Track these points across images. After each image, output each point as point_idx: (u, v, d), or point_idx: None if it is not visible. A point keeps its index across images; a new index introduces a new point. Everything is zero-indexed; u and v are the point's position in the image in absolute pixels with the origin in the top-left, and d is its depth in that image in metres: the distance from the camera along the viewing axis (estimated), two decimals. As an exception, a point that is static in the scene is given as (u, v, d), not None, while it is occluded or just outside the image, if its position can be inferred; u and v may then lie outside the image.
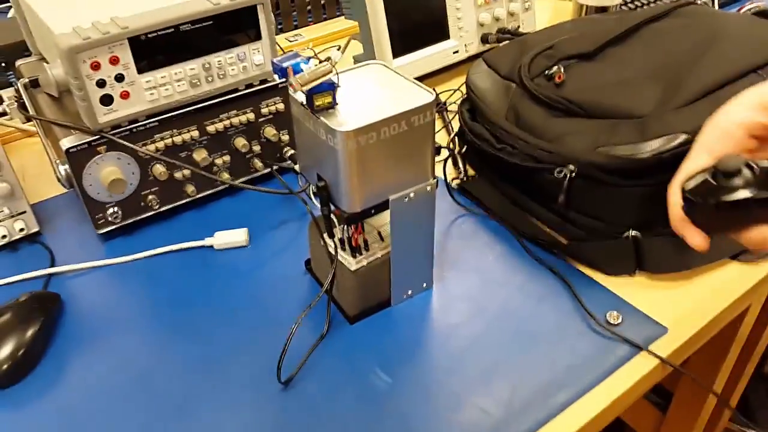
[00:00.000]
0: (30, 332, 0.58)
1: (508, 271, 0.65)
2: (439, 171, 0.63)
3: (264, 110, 0.75)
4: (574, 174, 0.63)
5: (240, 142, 0.74)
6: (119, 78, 0.63)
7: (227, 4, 0.66)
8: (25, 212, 0.71)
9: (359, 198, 0.53)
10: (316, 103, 0.51)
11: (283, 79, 0.73)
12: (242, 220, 0.73)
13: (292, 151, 0.78)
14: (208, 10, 0.65)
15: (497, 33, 1.01)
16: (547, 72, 0.72)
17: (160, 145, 0.69)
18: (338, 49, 0.52)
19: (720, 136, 0.51)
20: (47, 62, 0.71)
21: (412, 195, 0.56)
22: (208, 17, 0.66)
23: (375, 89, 0.55)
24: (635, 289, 0.62)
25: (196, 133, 0.71)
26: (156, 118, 0.68)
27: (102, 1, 0.68)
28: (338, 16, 1.21)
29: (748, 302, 0.65)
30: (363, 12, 0.90)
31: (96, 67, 0.62)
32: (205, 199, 0.76)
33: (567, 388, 0.54)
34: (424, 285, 0.63)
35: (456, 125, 0.84)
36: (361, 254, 0.58)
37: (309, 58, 0.51)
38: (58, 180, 0.69)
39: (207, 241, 0.70)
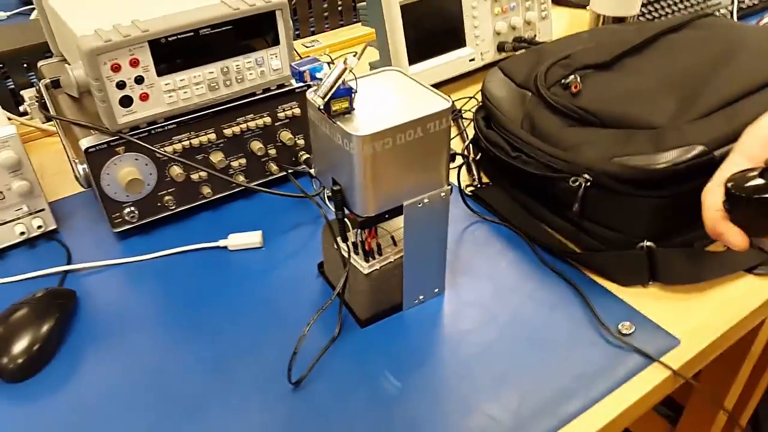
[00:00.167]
0: (45, 328, 0.59)
1: (520, 278, 0.65)
2: (453, 178, 0.63)
3: (280, 114, 0.75)
4: (589, 183, 0.63)
5: (256, 146, 0.75)
6: (139, 80, 0.64)
7: (247, 9, 0.67)
8: (43, 210, 0.72)
9: (373, 202, 0.53)
10: (333, 108, 0.51)
11: (300, 84, 0.74)
12: (256, 223, 0.74)
13: (307, 156, 0.78)
14: (228, 14, 0.66)
15: (513, 42, 1.01)
16: (563, 81, 0.72)
17: (178, 147, 0.70)
18: (354, 56, 0.53)
19: (761, 143, 0.53)
20: (68, 63, 0.72)
21: (426, 201, 0.56)
22: (227, 22, 0.66)
23: (391, 95, 0.55)
24: (648, 300, 0.62)
25: (213, 136, 0.72)
26: (174, 121, 0.69)
27: (123, 4, 0.70)
28: (355, 22, 1.22)
29: (762, 317, 0.65)
30: (380, 19, 0.91)
31: (116, 68, 0.63)
32: (220, 201, 0.77)
33: (577, 398, 0.54)
34: (436, 290, 0.63)
35: (471, 132, 0.84)
36: (374, 258, 0.58)
37: (327, 63, 0.52)
38: (77, 179, 0.70)
39: (221, 242, 0.71)
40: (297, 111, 0.76)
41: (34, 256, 0.71)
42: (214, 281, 0.67)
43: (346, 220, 0.56)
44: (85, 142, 0.66)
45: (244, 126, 0.73)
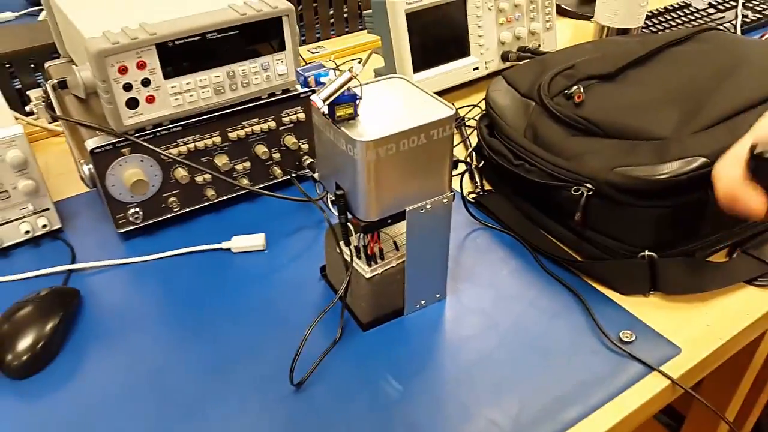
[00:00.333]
0: (49, 326, 0.59)
1: (522, 285, 0.66)
2: (455, 185, 0.64)
3: (285, 119, 0.76)
4: (591, 192, 0.63)
5: (260, 149, 0.75)
6: (145, 82, 0.65)
7: (254, 14, 0.67)
8: (48, 209, 0.72)
9: (376, 207, 0.54)
10: (338, 114, 0.52)
11: (306, 89, 0.75)
12: (259, 226, 0.74)
13: (311, 160, 0.79)
14: (235, 19, 0.67)
15: (518, 51, 1.02)
16: (566, 91, 0.73)
17: (183, 149, 0.70)
18: (359, 62, 0.53)
19: None
20: (75, 64, 0.73)
21: (428, 206, 0.56)
22: (234, 27, 0.67)
23: (396, 102, 0.55)
24: (649, 309, 0.62)
25: (218, 139, 0.72)
26: (180, 123, 0.69)
27: (132, 7, 0.70)
28: (360, 29, 1.23)
29: (762, 328, 0.65)
30: (386, 27, 0.92)
31: (123, 71, 0.63)
32: (224, 204, 0.78)
33: (577, 405, 0.54)
34: (438, 296, 0.64)
35: (474, 140, 0.85)
36: (376, 263, 0.59)
37: (332, 69, 0.52)
38: (82, 179, 0.71)
39: (225, 245, 0.71)
40: (302, 116, 0.77)
41: (38, 254, 0.71)
42: (216, 283, 0.67)
43: (349, 224, 0.57)
44: (91, 143, 0.67)
45: (249, 130, 0.74)
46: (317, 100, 0.51)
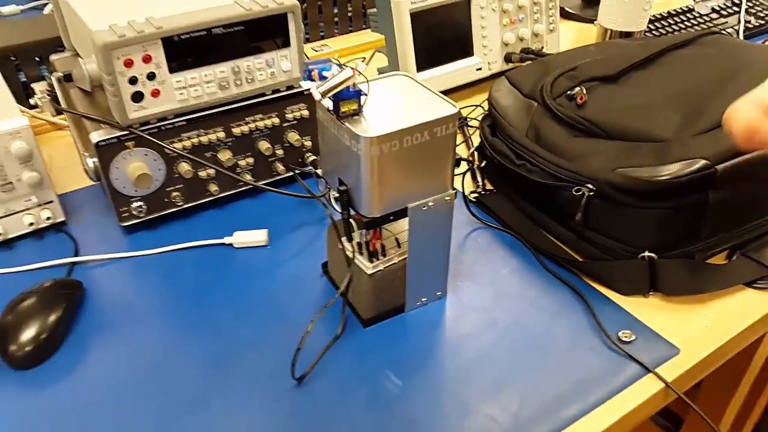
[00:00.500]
0: (53, 317, 0.60)
1: (522, 285, 0.66)
2: (457, 184, 0.64)
3: (289, 116, 0.76)
4: (592, 193, 0.64)
5: (264, 146, 0.76)
6: (151, 76, 0.65)
7: (259, 10, 0.68)
8: (52, 202, 0.73)
9: (379, 204, 0.54)
10: (342, 110, 0.52)
11: (309, 85, 0.75)
12: (262, 221, 0.75)
13: (314, 157, 0.79)
14: (241, 15, 0.67)
15: (521, 53, 1.02)
16: (569, 92, 0.73)
17: (187, 143, 0.71)
18: (363, 61, 0.54)
19: None
20: (81, 57, 0.73)
21: (431, 204, 0.57)
22: (240, 22, 0.67)
23: (400, 99, 0.56)
24: (649, 310, 0.63)
25: (222, 134, 0.73)
26: (184, 118, 0.70)
27: (138, 1, 0.71)
28: (364, 28, 1.24)
29: (762, 331, 0.65)
30: (390, 26, 0.92)
31: (129, 64, 0.64)
32: (226, 199, 0.78)
33: (575, 403, 0.54)
34: (438, 293, 0.64)
35: (476, 140, 0.85)
36: (378, 259, 0.59)
37: (337, 64, 0.53)
38: (86, 172, 0.71)
39: (227, 240, 0.71)
40: (305, 113, 0.77)
41: (42, 246, 0.72)
42: (218, 278, 0.67)
43: (351, 220, 0.57)
44: (95, 136, 0.67)
45: (252, 126, 0.74)
46: (315, 91, 0.51)
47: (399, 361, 0.58)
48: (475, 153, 0.83)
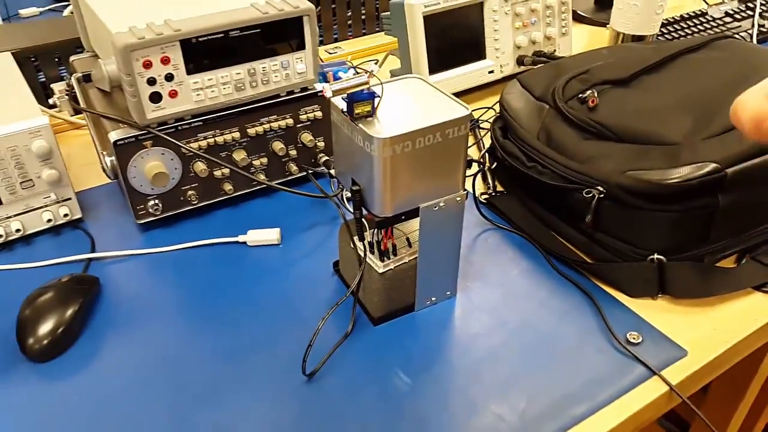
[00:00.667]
0: (70, 311, 0.61)
1: (531, 286, 0.67)
2: (468, 185, 0.65)
3: (302, 117, 0.77)
4: (602, 195, 0.64)
5: (278, 146, 0.77)
6: (169, 77, 0.67)
7: (276, 13, 0.69)
8: (70, 199, 0.74)
9: (391, 203, 0.55)
10: (356, 111, 0.53)
11: (323, 86, 0.76)
12: (275, 221, 0.76)
13: (327, 158, 0.80)
14: (257, 18, 0.68)
15: (533, 56, 1.03)
16: (580, 95, 0.74)
17: (203, 143, 0.72)
18: (376, 63, 0.55)
19: None
20: (100, 59, 0.75)
21: (442, 204, 0.57)
22: (256, 25, 0.69)
23: (412, 101, 0.57)
24: (657, 312, 0.63)
25: (237, 135, 0.74)
26: (201, 118, 0.71)
27: (157, 4, 0.72)
28: (377, 31, 1.25)
29: (769, 336, 0.66)
30: (403, 29, 0.93)
31: (148, 65, 0.65)
32: (240, 198, 0.79)
33: (583, 403, 0.55)
34: (448, 293, 0.65)
35: (487, 142, 0.86)
36: (389, 258, 0.60)
37: (351, 68, 0.54)
38: (104, 170, 0.72)
39: (241, 238, 0.73)
40: (318, 114, 0.78)
41: (59, 243, 0.73)
42: (232, 275, 0.69)
43: (363, 220, 0.58)
44: (114, 135, 0.68)
45: (267, 126, 0.75)
46: (327, 89, 0.52)
47: (408, 359, 0.59)
48: (486, 155, 0.84)
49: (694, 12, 1.29)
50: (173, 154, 0.71)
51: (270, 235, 0.72)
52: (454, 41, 0.97)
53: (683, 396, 0.56)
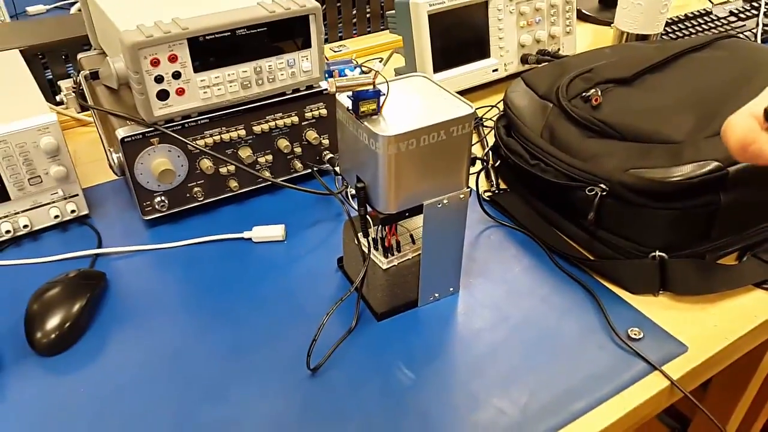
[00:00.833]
0: (77, 306, 0.62)
1: (534, 282, 0.67)
2: (471, 183, 0.65)
3: (308, 114, 0.78)
4: (605, 193, 0.65)
5: (283, 143, 0.77)
6: (176, 75, 0.67)
7: (282, 12, 0.70)
8: (77, 195, 0.75)
9: (395, 200, 0.56)
10: (361, 109, 0.54)
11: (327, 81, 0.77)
12: (280, 217, 0.77)
13: (331, 155, 0.81)
14: (264, 17, 0.69)
15: (537, 54, 1.04)
16: (584, 94, 0.74)
17: (209, 141, 0.73)
18: (380, 61, 0.55)
19: None
20: (107, 56, 0.75)
21: (445, 201, 0.58)
22: (263, 24, 0.69)
23: (417, 99, 0.57)
24: (658, 308, 0.64)
25: (242, 132, 0.75)
26: (207, 116, 0.72)
27: (164, 2, 0.73)
28: (382, 29, 1.25)
29: (769, 333, 0.66)
30: (408, 27, 0.94)
31: (156, 63, 0.66)
32: (246, 195, 0.80)
33: (583, 398, 0.55)
34: (451, 289, 0.66)
35: (491, 141, 0.86)
36: (392, 255, 0.60)
37: (357, 66, 0.54)
38: (111, 167, 0.73)
39: (246, 234, 0.73)
40: (323, 112, 0.79)
41: (66, 238, 0.74)
42: (237, 271, 0.69)
43: (368, 216, 0.58)
44: (121, 132, 0.69)
45: (272, 124, 0.76)
46: (330, 84, 0.53)
47: (411, 354, 0.60)
48: (490, 152, 0.85)
49: (698, 11, 1.29)
50: (180, 151, 0.72)
51: (275, 232, 0.73)
52: (459, 40, 0.98)
53: (685, 390, 0.57)
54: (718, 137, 0.66)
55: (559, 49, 1.07)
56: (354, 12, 1.21)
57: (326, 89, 0.77)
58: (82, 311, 0.62)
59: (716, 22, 1.26)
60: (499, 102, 0.96)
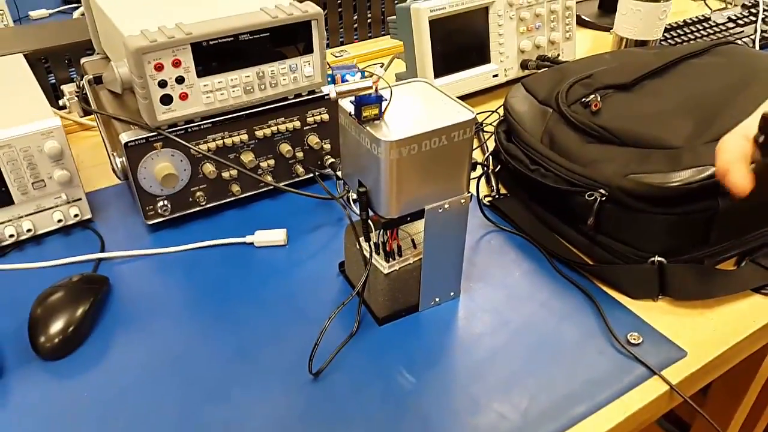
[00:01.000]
0: (80, 310, 0.62)
1: (534, 287, 0.68)
2: (472, 188, 0.66)
3: (309, 119, 0.79)
4: (604, 198, 0.65)
5: (285, 148, 0.78)
6: (180, 80, 0.68)
7: (285, 18, 0.70)
8: (80, 199, 0.76)
9: (397, 205, 0.56)
10: (364, 114, 0.54)
11: (330, 89, 0.77)
12: (281, 221, 0.77)
13: (333, 160, 0.81)
14: (267, 22, 0.70)
15: (537, 60, 1.04)
16: (584, 100, 0.75)
17: (212, 145, 0.73)
18: (381, 66, 0.56)
19: None
20: (111, 61, 0.76)
21: (446, 206, 0.59)
22: (265, 29, 0.70)
23: (419, 105, 0.58)
24: (657, 313, 0.64)
25: (245, 137, 0.75)
26: (210, 120, 0.72)
27: (168, 7, 0.73)
28: (383, 35, 1.26)
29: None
30: (409, 33, 0.94)
31: (159, 68, 0.66)
32: (248, 199, 0.80)
33: (583, 402, 0.56)
34: (452, 294, 0.66)
35: (491, 145, 0.87)
36: (394, 259, 0.61)
37: (359, 71, 0.55)
38: (114, 171, 0.74)
39: (248, 239, 0.74)
40: (325, 116, 0.79)
41: (69, 243, 0.75)
42: (239, 275, 0.70)
43: (369, 221, 0.59)
44: (125, 137, 0.70)
45: (274, 128, 0.77)
46: (332, 90, 0.53)
47: (412, 358, 0.60)
48: (490, 157, 0.85)
49: (697, 17, 1.30)
50: (183, 156, 0.72)
51: (276, 236, 0.74)
52: (460, 45, 0.98)
53: (685, 395, 0.57)
54: (716, 143, 0.66)
55: (558, 55, 1.07)
56: (355, 17, 1.22)
57: (328, 94, 0.78)
58: (86, 315, 0.62)
59: (715, 28, 1.27)
60: (499, 107, 0.97)
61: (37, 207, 0.73)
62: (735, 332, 0.62)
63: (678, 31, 1.25)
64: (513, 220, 0.76)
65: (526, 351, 0.61)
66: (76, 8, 1.42)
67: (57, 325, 0.61)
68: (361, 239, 0.61)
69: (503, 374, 0.58)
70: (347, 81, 0.54)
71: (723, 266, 0.69)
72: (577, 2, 1.08)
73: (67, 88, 0.84)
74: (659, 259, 0.65)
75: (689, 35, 1.24)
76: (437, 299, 0.65)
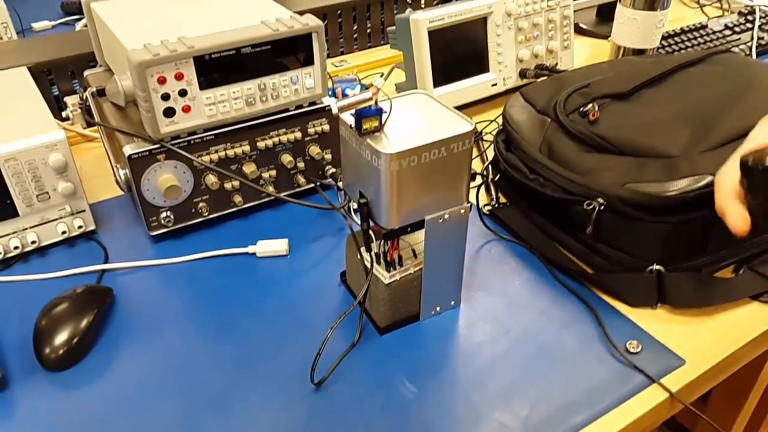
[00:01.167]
0: (85, 322, 0.63)
1: (533, 296, 0.68)
2: (471, 197, 0.66)
3: (310, 130, 0.79)
4: (602, 207, 0.66)
5: (286, 159, 0.79)
6: (182, 93, 0.69)
7: (286, 30, 0.71)
8: (84, 211, 0.76)
9: (397, 216, 0.57)
10: (364, 127, 0.55)
11: (331, 101, 0.78)
12: (283, 232, 0.78)
13: (334, 170, 0.82)
14: (268, 35, 0.70)
15: (535, 69, 1.05)
16: (582, 109, 0.76)
17: (215, 157, 0.74)
18: (381, 76, 0.57)
19: None
20: (114, 73, 0.77)
21: (446, 216, 0.59)
22: (267, 42, 0.71)
23: (418, 116, 0.59)
24: (656, 322, 0.65)
25: (247, 148, 0.76)
26: (212, 132, 0.73)
27: (170, 21, 0.74)
28: (383, 44, 1.27)
29: (767, 345, 0.67)
30: (408, 43, 0.95)
31: (162, 81, 0.67)
32: (250, 210, 0.81)
33: (583, 411, 0.56)
34: (452, 303, 0.67)
35: (490, 154, 0.88)
36: (395, 269, 0.62)
37: (359, 83, 0.56)
38: (117, 183, 0.74)
39: (250, 249, 0.74)
40: (326, 127, 0.80)
41: (73, 254, 0.75)
42: (241, 285, 0.70)
43: (370, 231, 0.60)
44: (128, 149, 0.70)
45: (276, 140, 0.77)
46: (334, 105, 0.54)
47: (414, 367, 0.61)
48: (490, 167, 0.86)
49: (694, 25, 1.31)
50: (185, 167, 0.73)
51: (278, 246, 0.74)
52: (458, 55, 0.99)
53: (684, 401, 0.58)
54: (713, 152, 0.67)
55: (557, 64, 1.08)
56: (355, 27, 1.23)
57: (329, 106, 0.79)
58: (90, 326, 0.63)
59: (711, 36, 1.28)
60: (498, 117, 0.98)
61: (41, 219, 0.74)
62: (734, 340, 0.63)
63: (675, 38, 1.26)
64: (513, 229, 0.77)
65: (526, 359, 0.61)
66: (79, 20, 1.43)
67: (62, 336, 0.61)
68: (362, 249, 0.62)
69: (504, 382, 0.59)
70: (347, 95, 0.54)
71: (721, 274, 0.69)
72: (575, 11, 1.09)
73: (71, 100, 0.84)
74: (657, 267, 0.65)
75: (686, 43, 1.25)
76: (438, 308, 0.66)
